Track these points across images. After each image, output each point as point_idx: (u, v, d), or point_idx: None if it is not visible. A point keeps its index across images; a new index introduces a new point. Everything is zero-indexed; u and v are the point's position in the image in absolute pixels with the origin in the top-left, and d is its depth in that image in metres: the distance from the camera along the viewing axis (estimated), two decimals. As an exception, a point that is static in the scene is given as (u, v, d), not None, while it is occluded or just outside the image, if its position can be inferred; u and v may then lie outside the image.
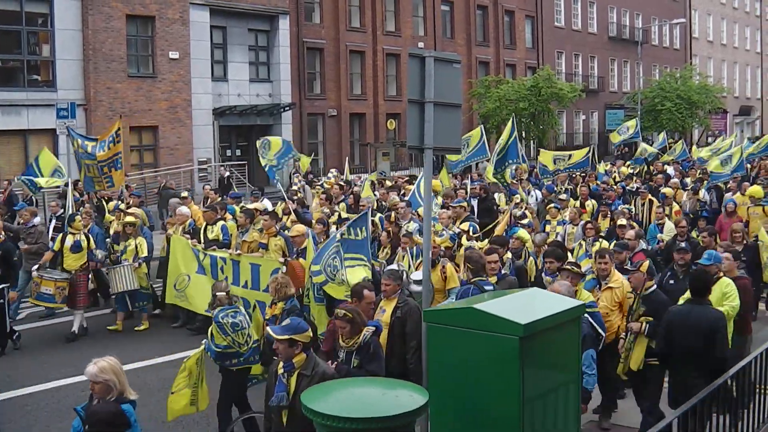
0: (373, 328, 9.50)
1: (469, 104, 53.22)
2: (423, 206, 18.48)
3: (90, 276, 18.02)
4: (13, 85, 35.42)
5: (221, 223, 17.95)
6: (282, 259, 15.15)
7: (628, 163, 40.10)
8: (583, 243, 16.63)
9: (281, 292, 11.39)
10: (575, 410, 7.04)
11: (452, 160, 28.37)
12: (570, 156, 28.84)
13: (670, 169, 33.18)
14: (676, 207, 22.17)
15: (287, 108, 44.83)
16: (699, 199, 24.18)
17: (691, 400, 8.22)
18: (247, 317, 11.26)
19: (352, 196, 23.40)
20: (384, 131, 52.38)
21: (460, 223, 17.73)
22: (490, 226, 19.45)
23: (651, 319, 10.41)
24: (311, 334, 8.25)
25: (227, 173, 37.06)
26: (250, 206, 19.74)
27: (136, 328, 17.62)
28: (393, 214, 18.79)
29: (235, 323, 10.83)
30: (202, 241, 17.20)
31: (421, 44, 52.40)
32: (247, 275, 14.98)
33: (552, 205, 20.74)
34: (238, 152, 45.15)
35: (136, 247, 17.83)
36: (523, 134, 54.92)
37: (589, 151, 28.91)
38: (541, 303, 6.93)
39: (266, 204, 20.88)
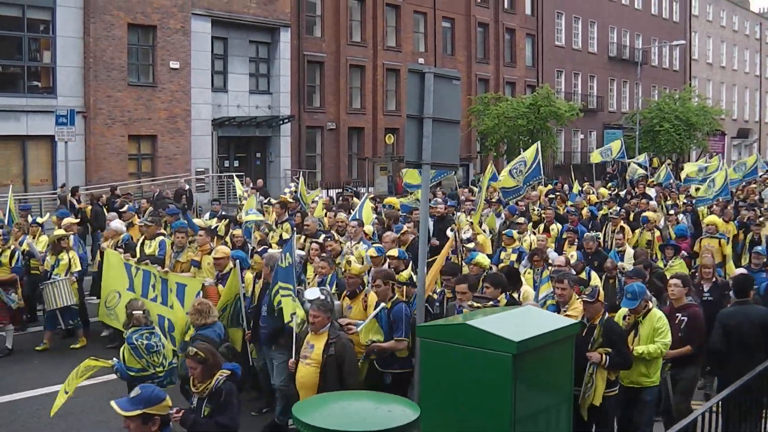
0: (228, 372, 8.58)
1: (467, 121, 53.26)
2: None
3: (14, 293, 16.83)
4: (13, 90, 35.38)
5: (160, 238, 17.21)
6: (207, 281, 14.15)
7: (610, 185, 39.72)
8: (531, 272, 15.60)
9: (194, 319, 10.90)
10: (566, 430, 7.03)
11: (507, 187, 26.78)
12: (524, 162, 27.14)
13: (651, 192, 32.16)
14: (658, 233, 21.18)
15: (286, 120, 44.85)
16: (677, 223, 22.56)
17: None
18: (162, 338, 10.93)
19: (299, 215, 21.57)
20: (383, 146, 52.38)
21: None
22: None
23: (610, 350, 9.86)
24: (170, 403, 6.81)
25: (187, 186, 35.92)
26: (199, 222, 19.07)
27: (72, 346, 16.90)
28: (334, 233, 17.99)
29: (150, 345, 10.46)
30: (138, 255, 16.51)
31: (421, 60, 52.48)
32: (174, 295, 14.22)
33: (505, 232, 19.02)
34: (236, 163, 45.12)
35: (69, 261, 16.80)
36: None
37: (537, 151, 27.25)
38: (534, 321, 6.94)
39: (201, 222, 20.00)
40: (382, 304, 11.18)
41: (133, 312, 10.72)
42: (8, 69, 35.96)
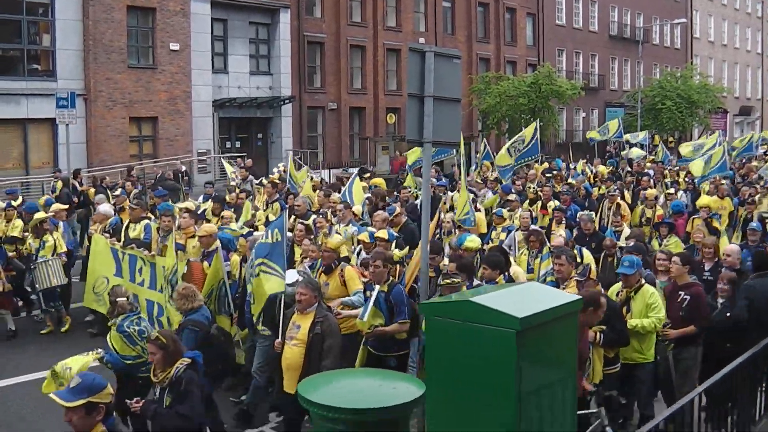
0: (189, 361, 8.33)
1: (469, 100, 53.23)
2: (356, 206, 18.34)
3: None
4: (13, 74, 35.41)
5: (145, 222, 16.72)
6: (192, 258, 14.07)
7: (609, 162, 38.90)
8: (527, 253, 15.55)
9: (180, 304, 10.68)
10: (571, 406, 7.04)
11: (501, 164, 27.04)
12: (523, 140, 27.35)
13: (650, 171, 31.75)
14: (659, 211, 20.85)
15: (287, 101, 44.84)
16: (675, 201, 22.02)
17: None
18: (149, 324, 10.75)
19: (292, 196, 20.99)
20: (384, 125, 52.37)
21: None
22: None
23: (604, 327, 9.76)
24: (112, 391, 6.32)
25: (184, 167, 35.54)
26: (182, 205, 18.36)
27: (62, 329, 16.79)
28: (328, 213, 18.04)
29: (141, 330, 10.17)
30: (123, 239, 16.17)
31: (422, 40, 52.40)
32: (162, 278, 13.76)
33: (495, 211, 19.03)
34: (237, 144, 45.14)
35: (55, 242, 16.68)
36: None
37: (536, 130, 27.41)
38: (538, 297, 6.93)
39: (189, 204, 19.29)
40: (377, 287, 10.91)
41: (118, 299, 10.44)
42: (8, 52, 36.00)
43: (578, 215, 18.34)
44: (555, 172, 30.29)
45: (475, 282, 11.25)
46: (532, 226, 17.11)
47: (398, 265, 12.64)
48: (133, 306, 10.66)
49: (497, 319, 6.19)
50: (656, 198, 21.68)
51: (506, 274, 11.80)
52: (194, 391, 8.20)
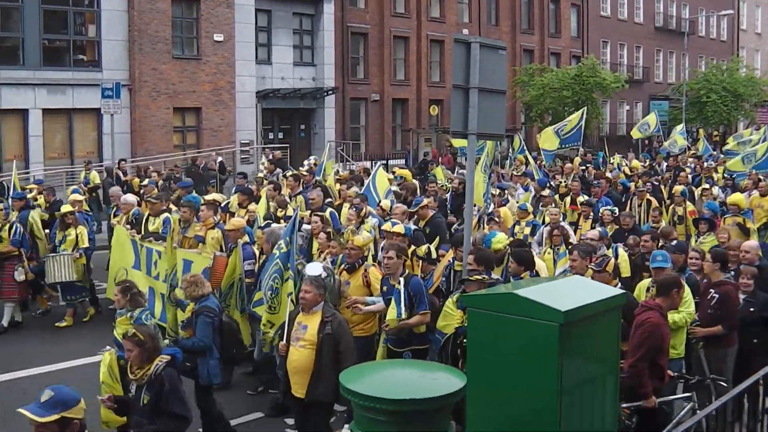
0: (168, 358, 8.11)
1: (512, 92, 53.03)
2: (379, 201, 18.10)
3: (20, 267, 16.44)
4: (59, 64, 35.72)
5: (165, 215, 16.51)
6: (217, 252, 13.87)
7: (642, 156, 38.44)
8: (551, 251, 15.08)
9: (190, 291, 10.55)
10: (613, 402, 6.99)
11: (546, 148, 26.89)
12: (566, 125, 26.94)
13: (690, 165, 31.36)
14: (690, 207, 20.26)
15: (330, 92, 44.91)
16: (713, 197, 21.63)
17: None
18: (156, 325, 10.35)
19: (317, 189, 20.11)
20: (426, 117, 52.32)
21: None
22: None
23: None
24: (85, 406, 6.00)
25: (220, 158, 35.03)
26: (208, 198, 17.77)
27: (57, 324, 16.60)
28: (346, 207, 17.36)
29: (155, 325, 9.99)
30: (142, 232, 16.10)
31: (465, 31, 52.22)
32: (180, 272, 13.56)
33: (519, 205, 18.62)
34: (280, 135, 45.27)
35: (77, 236, 16.68)
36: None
37: (582, 116, 26.80)
38: (582, 291, 6.88)
39: (215, 195, 18.83)
40: (402, 280, 10.56)
41: (132, 292, 10.28)
42: (54, 43, 36.27)
43: (601, 210, 17.79)
44: (589, 166, 29.94)
45: (493, 275, 10.91)
46: (561, 223, 16.71)
47: (423, 261, 12.52)
48: (144, 299, 10.63)
49: (541, 312, 6.16)
50: (683, 194, 20.68)
51: (533, 271, 11.54)
52: (181, 388, 8.12)
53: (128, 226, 16.33)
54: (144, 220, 16.65)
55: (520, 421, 6.35)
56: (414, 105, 52.05)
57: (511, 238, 15.30)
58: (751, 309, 11.06)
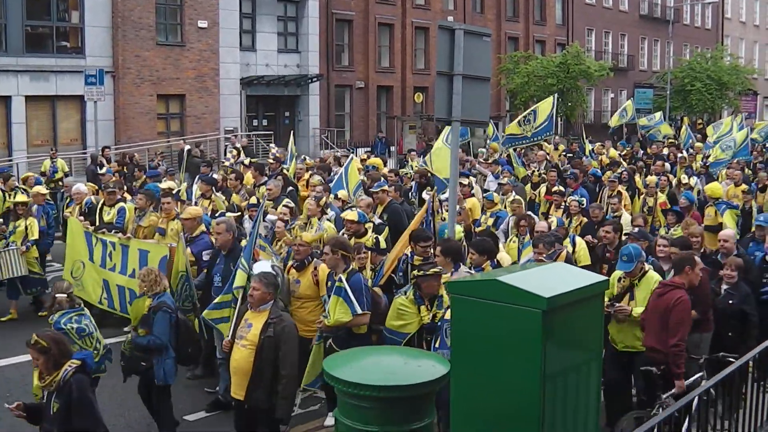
0: (78, 363, 7.64)
1: (497, 79, 53.03)
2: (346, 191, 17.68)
3: None
4: (42, 51, 35.55)
5: (120, 204, 16.05)
6: (172, 244, 13.04)
7: (619, 144, 37.60)
8: (516, 239, 14.57)
9: (147, 286, 10.08)
10: (596, 388, 7.01)
11: (514, 133, 25.67)
12: (535, 114, 25.52)
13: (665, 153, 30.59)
14: (662, 198, 19.65)
15: (315, 79, 44.82)
16: (690, 187, 20.65)
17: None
18: (92, 320, 9.94)
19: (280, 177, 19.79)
20: (411, 104, 52.30)
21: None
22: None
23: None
24: None
25: (188, 146, 33.03)
26: (162, 186, 17.46)
27: (4, 318, 15.98)
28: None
29: (80, 328, 9.51)
30: (97, 223, 15.64)
31: (450, 18, 52.11)
32: (135, 263, 13.25)
33: (485, 195, 17.90)
34: (264, 122, 45.25)
35: (26, 228, 16.14)
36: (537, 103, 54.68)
37: (552, 104, 25.65)
38: (565, 277, 6.89)
39: (172, 184, 18.51)
40: (339, 283, 10.04)
41: (56, 295, 9.78)
42: (37, 29, 36.04)
43: (569, 201, 17.20)
44: (572, 155, 29.42)
45: (463, 268, 10.76)
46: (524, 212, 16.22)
47: (373, 253, 12.10)
48: (75, 302, 9.94)
49: (524, 298, 6.17)
50: (657, 185, 20.22)
51: (494, 260, 11.40)
52: (89, 397, 7.69)
53: (81, 217, 15.91)
54: (99, 210, 16.22)
55: (504, 407, 6.37)
56: (399, 92, 52.03)
57: (478, 228, 15.42)
58: (731, 302, 10.93)
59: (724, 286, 11.19)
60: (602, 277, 7.35)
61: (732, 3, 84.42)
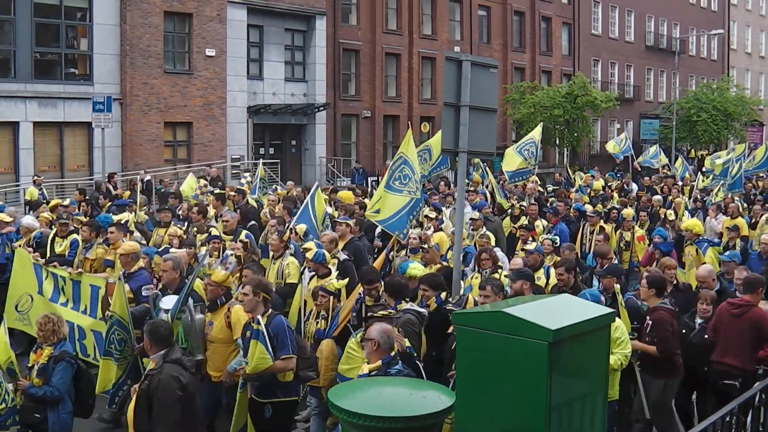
0: None
1: (503, 110, 53.11)
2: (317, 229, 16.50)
3: None
4: (51, 77, 35.74)
5: (73, 236, 15.50)
6: (111, 279, 12.21)
7: (608, 175, 36.88)
8: (479, 275, 13.24)
9: (47, 333, 9.35)
10: (601, 421, 7.01)
11: (516, 168, 25.21)
12: (534, 143, 25.38)
13: (633, 183, 30.49)
14: (639, 232, 18.87)
15: (322, 108, 44.90)
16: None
17: None
18: (1, 374, 9.23)
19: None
20: (418, 134, 52.34)
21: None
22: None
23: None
24: None
25: (147, 177, 32.05)
26: (116, 218, 16.89)
27: None
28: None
29: None
30: (48, 255, 15.16)
31: (457, 48, 52.34)
32: (87, 299, 12.54)
33: (452, 229, 16.47)
34: (271, 150, 45.28)
35: None
36: (557, 141, 54.78)
37: (540, 131, 25.32)
38: (571, 309, 6.89)
39: (125, 216, 18.07)
40: (255, 326, 9.31)
41: None
42: (46, 56, 36.24)
43: (541, 239, 16.00)
44: (559, 188, 28.71)
45: (406, 305, 10.39)
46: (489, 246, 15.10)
47: (332, 297, 11.31)
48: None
49: (530, 330, 6.17)
50: (634, 218, 19.55)
51: (439, 295, 10.92)
52: None
53: (30, 249, 15.04)
54: (50, 242, 15.75)
55: (509, 439, 6.36)
56: (405, 122, 52.01)
57: (440, 264, 14.55)
58: (706, 336, 10.79)
59: (698, 320, 11.09)
60: (609, 309, 7.35)
61: (738, 34, 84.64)
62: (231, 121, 41.21)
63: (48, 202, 22.04)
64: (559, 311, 6.73)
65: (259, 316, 9.28)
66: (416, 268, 12.12)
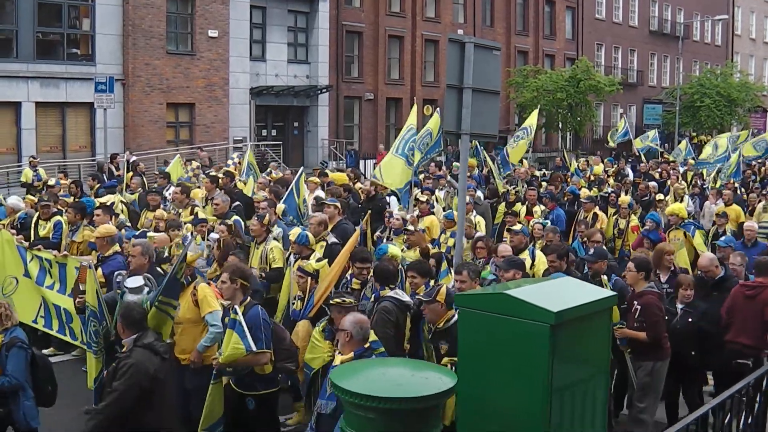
0: None
1: (506, 93, 53.00)
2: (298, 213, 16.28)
3: None
4: (53, 58, 35.65)
5: (57, 218, 15.30)
6: (84, 262, 11.34)
7: (606, 161, 36.04)
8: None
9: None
10: (603, 403, 7.01)
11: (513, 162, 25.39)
12: (527, 129, 25.58)
13: (629, 169, 30.00)
14: (634, 221, 18.43)
15: (324, 90, 44.84)
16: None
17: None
18: None
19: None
20: (421, 117, 52.24)
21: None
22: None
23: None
24: None
25: (133, 158, 31.40)
26: (101, 200, 16.68)
27: None
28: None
29: None
30: (32, 238, 14.94)
31: (460, 31, 52.16)
32: (73, 282, 11.81)
33: (445, 214, 16.39)
34: (273, 132, 45.25)
35: None
36: (560, 126, 54.69)
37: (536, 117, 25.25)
38: (573, 291, 6.90)
39: (111, 198, 17.54)
40: (233, 315, 8.96)
41: None
42: (48, 36, 36.13)
43: (545, 227, 15.45)
44: (553, 172, 28.57)
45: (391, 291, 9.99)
46: (478, 233, 15.10)
47: (310, 278, 10.98)
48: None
49: (532, 312, 6.18)
50: (630, 206, 19.13)
51: (428, 282, 10.53)
52: None
53: (14, 231, 14.46)
54: (34, 224, 15.61)
55: (510, 421, 6.37)
56: (408, 104, 51.91)
57: (436, 249, 14.29)
58: (690, 320, 10.74)
59: (679, 306, 10.99)
60: (611, 292, 7.34)
61: (742, 19, 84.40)
62: (233, 103, 41.15)
63: (45, 183, 21.94)
64: (561, 294, 6.74)
65: (236, 306, 8.98)
66: (396, 250, 11.96)
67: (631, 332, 10.32)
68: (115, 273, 11.70)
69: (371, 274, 10.66)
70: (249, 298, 9.38)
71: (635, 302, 10.40)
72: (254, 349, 8.76)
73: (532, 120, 27.35)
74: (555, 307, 6.14)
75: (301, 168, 18.86)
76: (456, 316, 8.49)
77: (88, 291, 10.40)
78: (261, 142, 42.57)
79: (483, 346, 6.57)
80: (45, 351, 12.70)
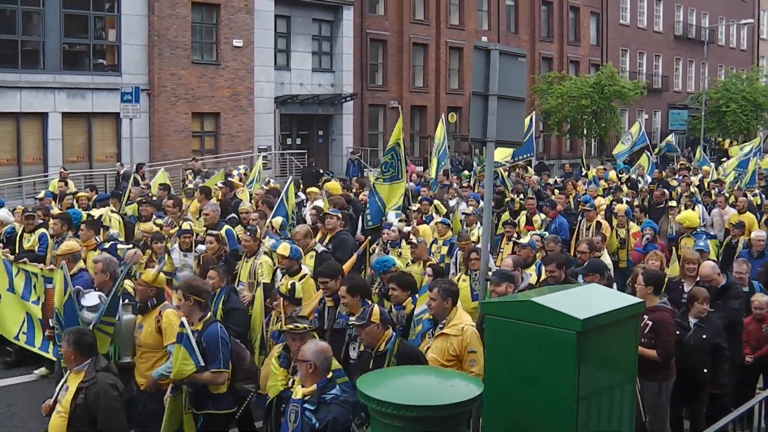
0: None
1: (531, 100, 52.90)
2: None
3: None
4: (79, 68, 35.92)
5: (41, 230, 15.08)
6: (50, 285, 11.13)
7: (622, 168, 34.36)
8: (466, 277, 12.14)
9: None
10: (629, 411, 6.99)
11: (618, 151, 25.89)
12: (630, 135, 25.65)
13: (648, 176, 29.53)
14: (634, 228, 17.75)
15: (349, 98, 44.95)
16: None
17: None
18: None
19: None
20: (445, 124, 52.24)
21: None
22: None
23: None
24: None
25: (124, 168, 31.86)
26: (95, 213, 16.72)
27: None
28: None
29: None
30: (17, 251, 14.74)
31: (484, 38, 52.11)
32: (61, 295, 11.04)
33: (440, 220, 16.21)
34: (298, 141, 45.35)
35: None
36: (584, 132, 54.56)
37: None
38: (599, 299, 6.88)
39: (101, 211, 17.42)
40: (182, 329, 8.59)
41: None
42: (74, 47, 36.41)
43: (545, 237, 14.67)
44: (564, 180, 28.32)
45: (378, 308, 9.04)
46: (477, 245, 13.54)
47: (285, 301, 10.18)
48: None
49: (558, 320, 6.17)
50: (627, 213, 18.55)
51: (414, 295, 10.21)
52: None
53: (0, 245, 14.74)
54: (18, 237, 15.40)
55: (537, 428, 6.35)
56: (432, 112, 51.98)
57: (430, 259, 13.89)
58: (704, 336, 10.17)
59: (692, 320, 10.36)
60: (637, 299, 7.31)
61: (767, 24, 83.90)
62: (258, 112, 41.30)
63: (74, 194, 21.93)
64: (587, 301, 6.72)
65: (183, 319, 8.64)
66: (415, 270, 11.63)
67: (640, 348, 9.83)
68: (81, 292, 10.83)
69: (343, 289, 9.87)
70: (209, 314, 9.13)
71: (645, 317, 9.69)
72: (202, 364, 8.52)
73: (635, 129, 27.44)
74: (581, 314, 6.13)
75: (290, 178, 18.74)
76: (394, 335, 8.38)
77: (56, 298, 10.11)
78: (286, 150, 42.69)
79: (510, 353, 6.56)
80: (36, 372, 12.95)
